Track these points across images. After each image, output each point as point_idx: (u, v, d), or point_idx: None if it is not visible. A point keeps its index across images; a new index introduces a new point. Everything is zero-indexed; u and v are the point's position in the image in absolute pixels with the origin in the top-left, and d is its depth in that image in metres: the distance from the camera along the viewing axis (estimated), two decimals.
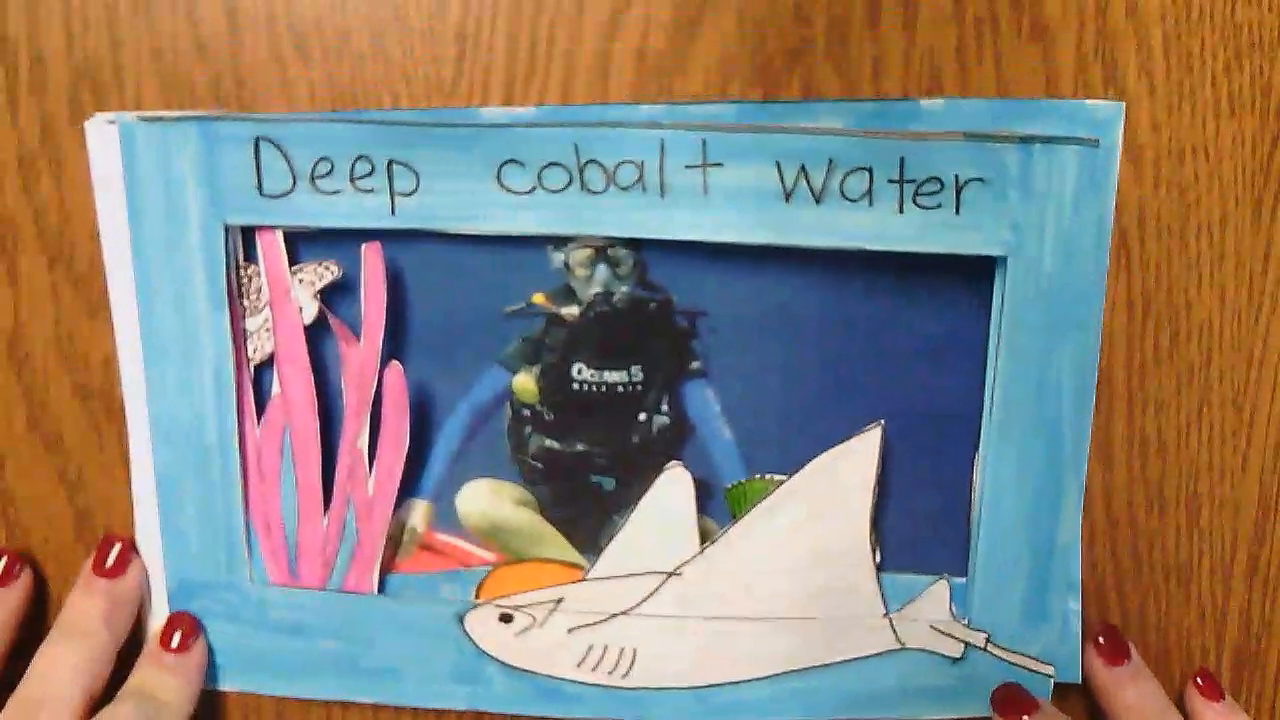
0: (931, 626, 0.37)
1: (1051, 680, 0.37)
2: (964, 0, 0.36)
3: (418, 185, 0.34)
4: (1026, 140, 0.33)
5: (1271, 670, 0.39)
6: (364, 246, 0.35)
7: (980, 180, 0.34)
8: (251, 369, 0.37)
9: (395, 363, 0.36)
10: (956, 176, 0.34)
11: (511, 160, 0.34)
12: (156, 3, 0.36)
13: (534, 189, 0.34)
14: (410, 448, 0.37)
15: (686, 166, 0.34)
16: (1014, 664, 0.37)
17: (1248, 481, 0.38)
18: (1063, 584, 0.37)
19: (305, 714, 0.40)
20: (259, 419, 0.37)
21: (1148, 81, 0.36)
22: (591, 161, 0.34)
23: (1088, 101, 0.34)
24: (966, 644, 0.37)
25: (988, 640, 0.37)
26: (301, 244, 0.36)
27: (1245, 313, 0.37)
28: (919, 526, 0.37)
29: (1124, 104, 0.35)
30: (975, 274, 0.35)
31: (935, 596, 0.37)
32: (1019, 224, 0.34)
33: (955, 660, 0.37)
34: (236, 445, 0.37)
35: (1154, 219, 0.37)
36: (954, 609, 0.37)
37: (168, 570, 0.38)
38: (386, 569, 0.38)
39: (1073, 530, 0.36)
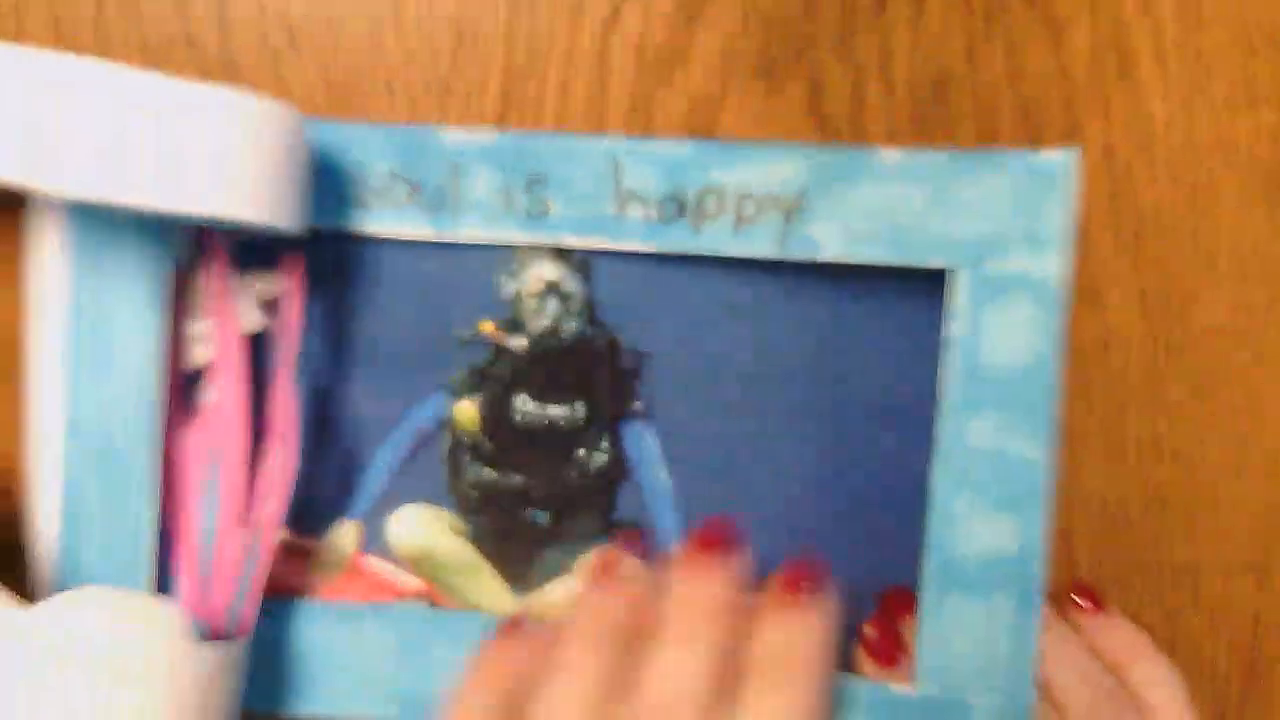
0: None
1: None
2: None
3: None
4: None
5: (1279, 673, 0.39)
6: (285, 258, 0.35)
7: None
8: (193, 376, 0.36)
9: (285, 374, 0.35)
10: None
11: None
12: None
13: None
14: (346, 467, 0.37)
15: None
16: None
17: (1255, 482, 0.38)
18: None
19: None
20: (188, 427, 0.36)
21: (1161, 75, 0.35)
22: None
23: (1041, 152, 0.33)
24: None
25: None
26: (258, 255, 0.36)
27: (1257, 311, 0.36)
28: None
29: (1079, 149, 0.34)
30: (927, 327, 0.35)
31: None
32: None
33: None
34: (157, 452, 0.35)
35: (1167, 215, 0.36)
36: None
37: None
38: (309, 592, 0.37)
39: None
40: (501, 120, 0.36)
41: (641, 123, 0.36)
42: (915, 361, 0.36)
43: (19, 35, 0.35)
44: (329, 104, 0.36)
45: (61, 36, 0.35)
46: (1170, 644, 0.39)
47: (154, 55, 0.35)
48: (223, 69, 0.35)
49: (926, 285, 0.35)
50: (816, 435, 0.37)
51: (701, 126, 0.36)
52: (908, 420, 0.36)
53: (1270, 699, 0.39)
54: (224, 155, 0.29)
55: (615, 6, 0.35)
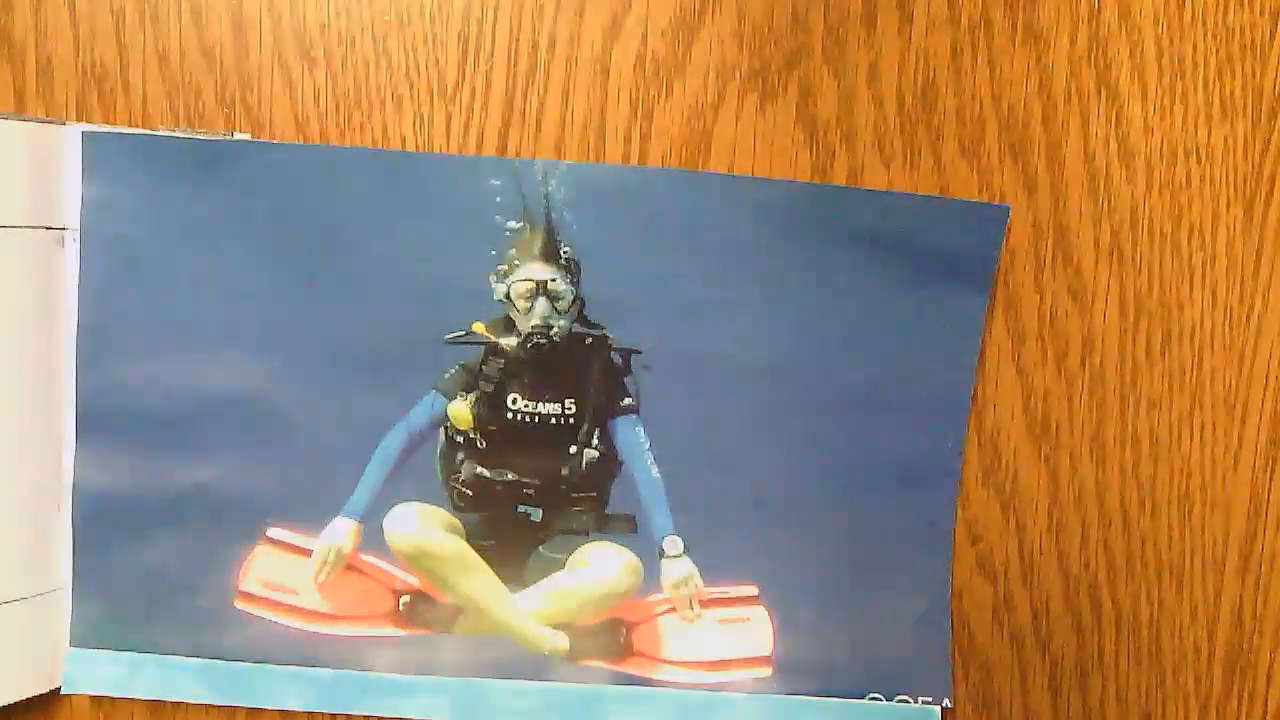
0: None
1: None
2: (959, 4, 0.36)
3: None
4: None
5: (1264, 667, 0.39)
6: None
7: None
8: None
9: None
10: None
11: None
12: (162, 8, 0.36)
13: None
14: (342, 467, 0.37)
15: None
16: None
17: (1239, 480, 0.38)
18: None
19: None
20: None
21: (1140, 84, 0.36)
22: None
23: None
24: None
25: None
26: None
27: (1236, 313, 0.37)
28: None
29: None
30: (914, 324, 0.37)
31: None
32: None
33: None
34: None
35: (1146, 221, 0.37)
36: None
37: None
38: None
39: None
40: (504, 128, 0.37)
41: (641, 131, 0.37)
42: (903, 356, 0.37)
43: (40, 46, 0.37)
44: (338, 113, 0.37)
45: (80, 48, 0.37)
46: (1157, 637, 0.39)
47: (171, 67, 0.37)
48: (237, 79, 0.37)
49: (911, 280, 0.37)
50: (805, 427, 0.37)
51: (698, 134, 0.37)
52: (895, 411, 0.37)
53: (1253, 693, 0.39)
54: None
55: (616, 19, 0.36)
